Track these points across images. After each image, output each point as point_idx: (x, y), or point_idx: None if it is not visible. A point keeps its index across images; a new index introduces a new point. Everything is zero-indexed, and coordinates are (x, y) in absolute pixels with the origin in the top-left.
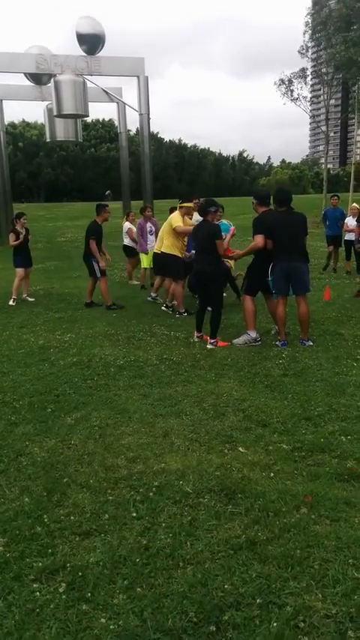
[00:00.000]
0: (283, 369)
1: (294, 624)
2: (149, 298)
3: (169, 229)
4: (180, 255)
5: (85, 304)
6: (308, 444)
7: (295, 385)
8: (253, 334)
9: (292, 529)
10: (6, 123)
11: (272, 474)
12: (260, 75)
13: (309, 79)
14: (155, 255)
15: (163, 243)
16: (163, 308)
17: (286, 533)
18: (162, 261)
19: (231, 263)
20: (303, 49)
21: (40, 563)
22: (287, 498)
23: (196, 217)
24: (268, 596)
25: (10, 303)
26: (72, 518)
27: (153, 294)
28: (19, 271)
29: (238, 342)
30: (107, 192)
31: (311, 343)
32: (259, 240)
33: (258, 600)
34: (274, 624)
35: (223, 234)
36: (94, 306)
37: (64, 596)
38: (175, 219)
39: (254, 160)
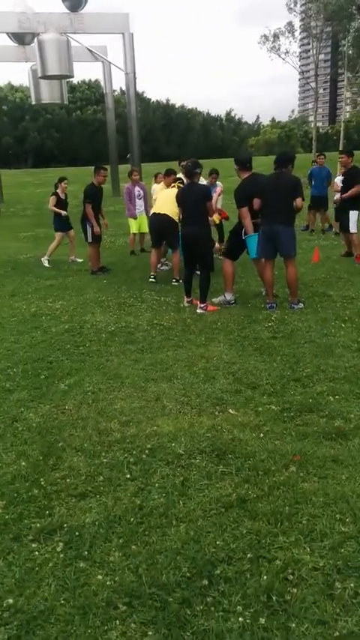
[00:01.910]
0: (272, 332)
1: (283, 577)
2: (152, 280)
3: (174, 200)
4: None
5: (91, 272)
6: (297, 405)
7: (284, 347)
8: (228, 297)
9: (282, 487)
10: None
11: (262, 435)
12: (251, 29)
13: (297, 33)
14: (155, 216)
15: (166, 207)
16: (173, 282)
17: (275, 491)
18: (163, 224)
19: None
20: (291, 2)
21: (38, 524)
22: (276, 457)
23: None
24: (258, 551)
25: (45, 264)
26: (68, 480)
27: (153, 273)
28: (58, 235)
29: (214, 301)
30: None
31: (301, 306)
32: (243, 213)
33: (248, 555)
34: (264, 577)
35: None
36: (105, 272)
37: (61, 555)
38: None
39: (243, 120)
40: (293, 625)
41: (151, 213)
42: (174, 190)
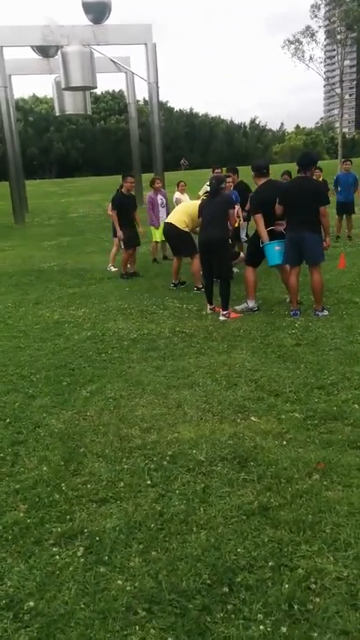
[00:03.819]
0: (296, 339)
1: (306, 586)
2: (173, 287)
3: (192, 214)
4: (189, 232)
5: (121, 276)
6: (321, 413)
7: (308, 354)
8: (251, 304)
9: (305, 495)
10: (16, 98)
11: (284, 442)
12: (275, 37)
13: (322, 38)
14: (165, 224)
15: (174, 217)
16: (195, 291)
17: (298, 499)
18: (169, 233)
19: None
20: (314, 7)
21: (59, 529)
22: (299, 465)
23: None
24: (280, 559)
25: (112, 270)
26: (89, 486)
27: (175, 281)
28: (116, 240)
29: (237, 309)
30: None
31: (326, 313)
32: (257, 220)
33: (270, 563)
34: (286, 586)
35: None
36: (135, 277)
37: (82, 560)
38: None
39: (267, 127)
40: (315, 634)
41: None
42: (192, 202)
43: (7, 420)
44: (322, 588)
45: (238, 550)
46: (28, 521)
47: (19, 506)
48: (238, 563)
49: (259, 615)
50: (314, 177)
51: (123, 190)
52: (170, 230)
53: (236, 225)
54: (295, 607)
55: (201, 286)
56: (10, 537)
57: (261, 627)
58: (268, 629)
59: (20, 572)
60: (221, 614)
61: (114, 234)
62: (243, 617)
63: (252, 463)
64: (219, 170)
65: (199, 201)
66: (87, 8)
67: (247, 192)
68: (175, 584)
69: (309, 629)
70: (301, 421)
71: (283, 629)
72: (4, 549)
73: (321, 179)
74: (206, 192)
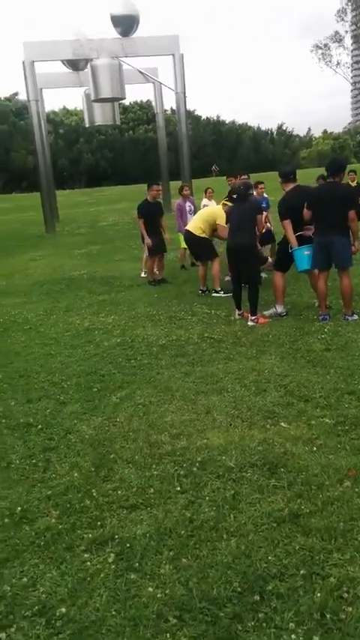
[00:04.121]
0: (326, 344)
1: (338, 595)
2: (200, 293)
3: (208, 219)
4: (209, 238)
5: (149, 283)
6: (352, 418)
7: (338, 360)
8: (279, 309)
9: (336, 502)
10: (47, 111)
11: (315, 448)
12: (302, 41)
13: (350, 43)
14: (185, 232)
15: (192, 224)
16: (214, 294)
17: (329, 506)
18: (188, 241)
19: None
20: (341, 11)
21: (90, 535)
22: (330, 472)
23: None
24: (311, 568)
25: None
26: (119, 492)
27: (202, 288)
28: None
29: (265, 314)
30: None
31: (356, 317)
32: (285, 226)
33: (302, 571)
34: (318, 594)
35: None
36: (164, 283)
37: (113, 566)
38: (222, 216)
39: (294, 133)
40: None
41: None
42: (209, 208)
43: (39, 427)
44: (354, 597)
45: (269, 558)
46: (60, 527)
47: (51, 513)
48: (269, 571)
49: (290, 624)
50: (349, 181)
51: (148, 198)
52: (189, 237)
53: (263, 230)
54: (328, 616)
55: (220, 289)
56: (42, 543)
57: (293, 636)
58: (300, 638)
59: (52, 578)
60: (252, 623)
61: (143, 240)
62: (274, 625)
63: (282, 469)
64: (245, 177)
65: (215, 207)
66: (115, 22)
67: None
68: (205, 592)
69: (342, 639)
70: (332, 427)
71: (315, 639)
72: (36, 555)
73: (355, 182)
74: (226, 197)
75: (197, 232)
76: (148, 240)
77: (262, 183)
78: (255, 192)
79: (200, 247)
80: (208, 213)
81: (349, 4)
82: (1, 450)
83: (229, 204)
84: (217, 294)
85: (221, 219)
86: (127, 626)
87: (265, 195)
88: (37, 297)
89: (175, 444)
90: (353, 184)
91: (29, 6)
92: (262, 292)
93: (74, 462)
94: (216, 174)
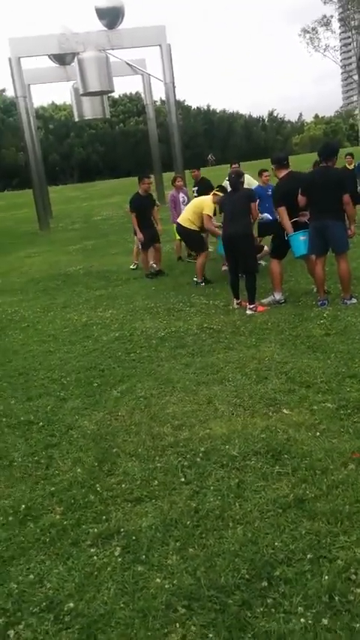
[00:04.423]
0: (325, 329)
1: (346, 577)
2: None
3: (196, 210)
4: (198, 230)
5: (146, 276)
6: (354, 402)
7: (338, 344)
8: (277, 296)
9: (341, 485)
10: (35, 107)
11: (318, 434)
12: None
13: (337, 26)
14: (176, 225)
15: (182, 216)
16: (194, 284)
17: (334, 490)
18: (179, 232)
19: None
20: None
21: (96, 529)
22: (334, 456)
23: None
24: (318, 551)
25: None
26: (123, 485)
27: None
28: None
29: (263, 302)
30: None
31: (354, 301)
32: (280, 212)
33: (309, 555)
34: (326, 577)
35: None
36: (161, 275)
37: (119, 559)
38: (209, 206)
39: (286, 119)
40: (358, 626)
41: None
42: (199, 199)
43: (40, 424)
44: None
45: (276, 544)
46: (65, 523)
47: (55, 509)
48: (276, 556)
49: (299, 608)
50: (346, 164)
51: (140, 191)
52: (179, 229)
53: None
54: (336, 598)
55: (200, 280)
56: (47, 540)
57: (302, 620)
58: (309, 621)
59: (59, 573)
60: (261, 609)
61: (134, 232)
62: (283, 610)
63: (286, 456)
64: (236, 165)
65: (205, 197)
66: (100, 14)
67: (209, 190)
68: (213, 580)
69: (351, 620)
70: (334, 411)
71: (325, 622)
72: (42, 552)
73: (352, 165)
74: (217, 187)
75: (186, 224)
76: (140, 235)
77: (267, 170)
78: (260, 181)
79: (189, 239)
80: (196, 204)
81: None
82: (3, 449)
83: (220, 194)
84: (197, 286)
85: (209, 209)
86: (136, 618)
87: (271, 183)
88: (33, 294)
89: (177, 436)
90: (350, 167)
91: (27, 5)
92: (259, 280)
93: (77, 457)
94: (212, 164)
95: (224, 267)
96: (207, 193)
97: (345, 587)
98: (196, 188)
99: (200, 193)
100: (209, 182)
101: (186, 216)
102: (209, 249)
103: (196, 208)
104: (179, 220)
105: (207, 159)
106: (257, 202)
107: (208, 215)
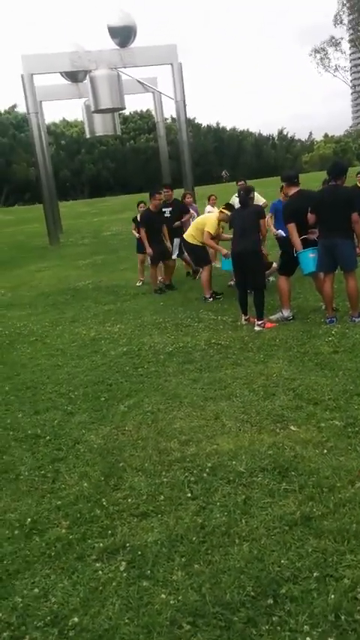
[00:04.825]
0: (333, 346)
1: (352, 596)
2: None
3: (199, 226)
4: (201, 245)
5: (154, 291)
6: None
7: (347, 362)
8: (286, 313)
9: (348, 504)
10: (47, 123)
11: (325, 451)
12: (303, 48)
13: (347, 47)
14: (182, 241)
15: (188, 231)
16: (203, 300)
17: (341, 508)
18: (187, 250)
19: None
20: (338, 17)
21: (101, 544)
22: (341, 474)
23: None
24: (325, 570)
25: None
26: (129, 500)
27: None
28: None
29: (272, 318)
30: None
31: None
32: (290, 230)
33: (315, 574)
34: (332, 596)
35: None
36: (170, 290)
37: (124, 574)
38: (211, 223)
39: (295, 137)
40: None
41: None
42: (203, 216)
43: (47, 438)
44: None
45: (282, 561)
46: (71, 537)
47: (61, 523)
48: (282, 574)
49: (305, 627)
50: (357, 182)
51: (151, 207)
52: (184, 244)
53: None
54: (342, 618)
55: (208, 296)
56: (53, 554)
57: (307, 639)
58: None
59: (64, 588)
60: (267, 627)
61: (137, 249)
62: (289, 628)
63: (293, 473)
64: (242, 182)
65: (208, 215)
66: (113, 33)
67: (184, 214)
68: (219, 597)
69: None
70: (342, 429)
71: None
72: (47, 566)
73: None
74: (224, 205)
75: (189, 240)
76: (149, 251)
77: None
78: (281, 196)
79: (194, 254)
80: (199, 221)
81: (345, 9)
82: (10, 462)
83: (227, 212)
84: (205, 302)
85: (210, 225)
86: (141, 634)
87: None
88: (42, 308)
89: (184, 451)
90: None
91: (28, 5)
92: (267, 297)
93: (83, 471)
94: (226, 180)
95: (231, 282)
96: (180, 217)
97: (351, 606)
98: (169, 209)
99: (172, 214)
100: (182, 205)
101: (190, 233)
102: (216, 265)
103: (198, 225)
104: (185, 236)
105: (221, 175)
106: (273, 217)
107: (208, 232)
